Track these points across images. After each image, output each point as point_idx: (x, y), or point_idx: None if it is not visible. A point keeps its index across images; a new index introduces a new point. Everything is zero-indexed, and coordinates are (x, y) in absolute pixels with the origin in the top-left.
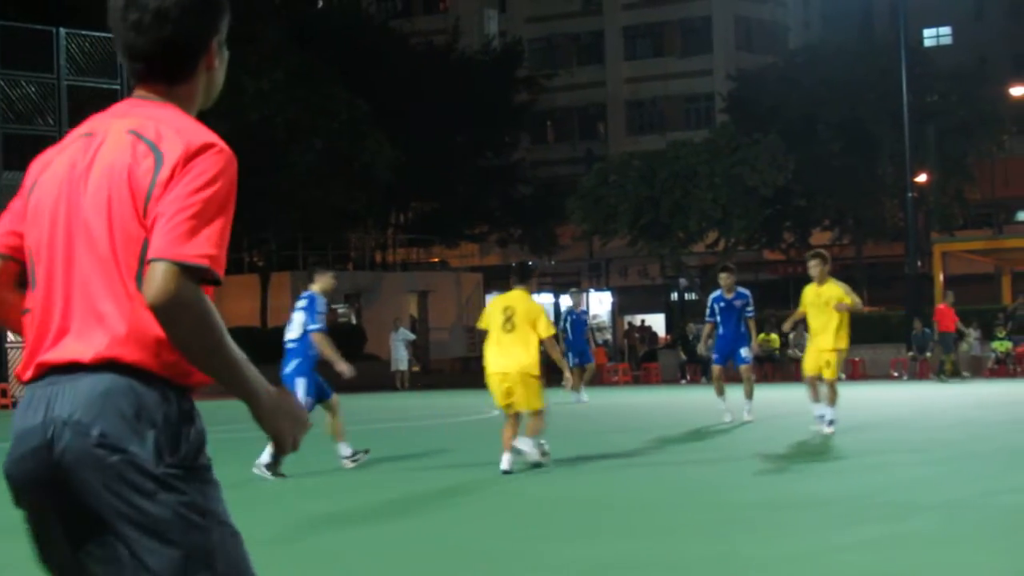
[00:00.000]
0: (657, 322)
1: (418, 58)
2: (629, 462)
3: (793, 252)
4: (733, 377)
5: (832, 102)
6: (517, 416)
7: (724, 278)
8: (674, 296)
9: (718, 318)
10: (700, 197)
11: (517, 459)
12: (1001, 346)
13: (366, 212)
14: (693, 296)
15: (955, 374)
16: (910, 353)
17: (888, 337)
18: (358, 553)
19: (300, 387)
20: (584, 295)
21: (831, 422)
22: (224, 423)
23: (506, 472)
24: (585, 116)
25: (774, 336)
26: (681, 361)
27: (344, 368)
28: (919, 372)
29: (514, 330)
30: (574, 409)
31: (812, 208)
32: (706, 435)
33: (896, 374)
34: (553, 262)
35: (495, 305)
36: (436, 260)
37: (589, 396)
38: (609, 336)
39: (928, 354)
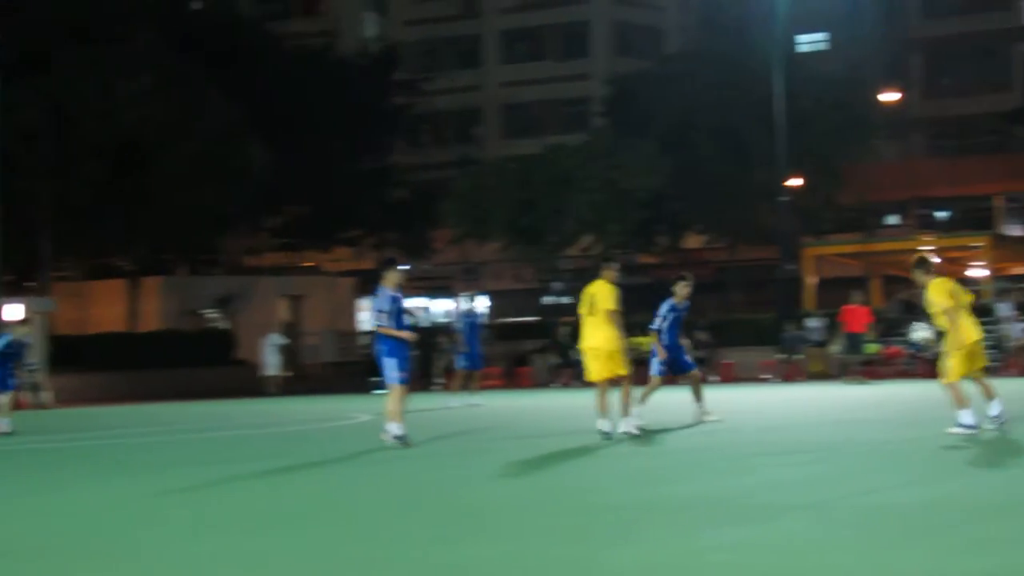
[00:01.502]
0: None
1: (295, 60)
2: (496, 465)
3: (667, 256)
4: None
5: (707, 107)
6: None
7: (683, 287)
8: (548, 300)
9: (664, 327)
10: (575, 201)
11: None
12: (871, 348)
13: (239, 216)
14: (567, 300)
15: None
16: (781, 355)
17: (759, 339)
18: (228, 564)
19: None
20: (474, 298)
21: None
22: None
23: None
24: (462, 120)
25: (644, 339)
26: (554, 364)
27: None
28: (789, 374)
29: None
30: (459, 413)
31: (686, 212)
32: (574, 437)
33: (766, 376)
34: (428, 266)
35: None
36: (309, 264)
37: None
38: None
39: (799, 356)
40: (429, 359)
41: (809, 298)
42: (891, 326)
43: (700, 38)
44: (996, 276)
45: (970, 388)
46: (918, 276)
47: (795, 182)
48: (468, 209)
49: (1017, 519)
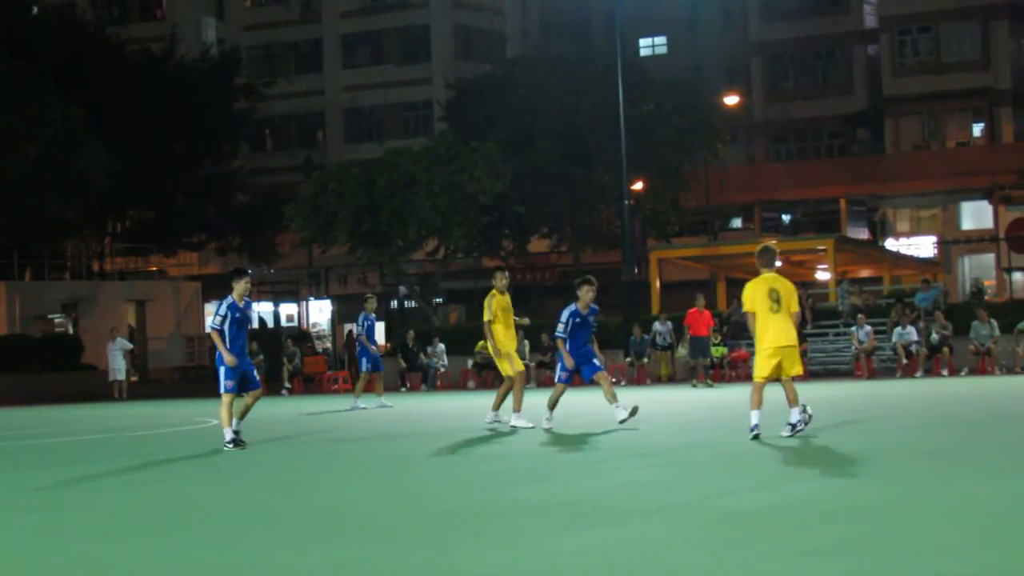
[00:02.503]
0: (377, 330)
1: (135, 65)
2: (351, 467)
3: (512, 260)
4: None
5: (550, 111)
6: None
7: (587, 291)
8: (394, 304)
9: (567, 333)
10: (419, 205)
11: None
12: (717, 352)
13: (82, 221)
14: (413, 304)
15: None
16: (628, 359)
17: (606, 343)
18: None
19: None
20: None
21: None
22: None
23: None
24: (304, 124)
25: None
26: (401, 368)
27: None
28: (637, 378)
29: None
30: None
31: (530, 216)
32: (427, 440)
33: (614, 380)
34: (272, 270)
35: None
36: (154, 269)
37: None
38: (329, 344)
39: (646, 359)
40: (278, 364)
41: (655, 302)
42: (736, 329)
43: (541, 42)
44: (840, 279)
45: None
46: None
47: (640, 186)
48: (312, 213)
49: (868, 521)
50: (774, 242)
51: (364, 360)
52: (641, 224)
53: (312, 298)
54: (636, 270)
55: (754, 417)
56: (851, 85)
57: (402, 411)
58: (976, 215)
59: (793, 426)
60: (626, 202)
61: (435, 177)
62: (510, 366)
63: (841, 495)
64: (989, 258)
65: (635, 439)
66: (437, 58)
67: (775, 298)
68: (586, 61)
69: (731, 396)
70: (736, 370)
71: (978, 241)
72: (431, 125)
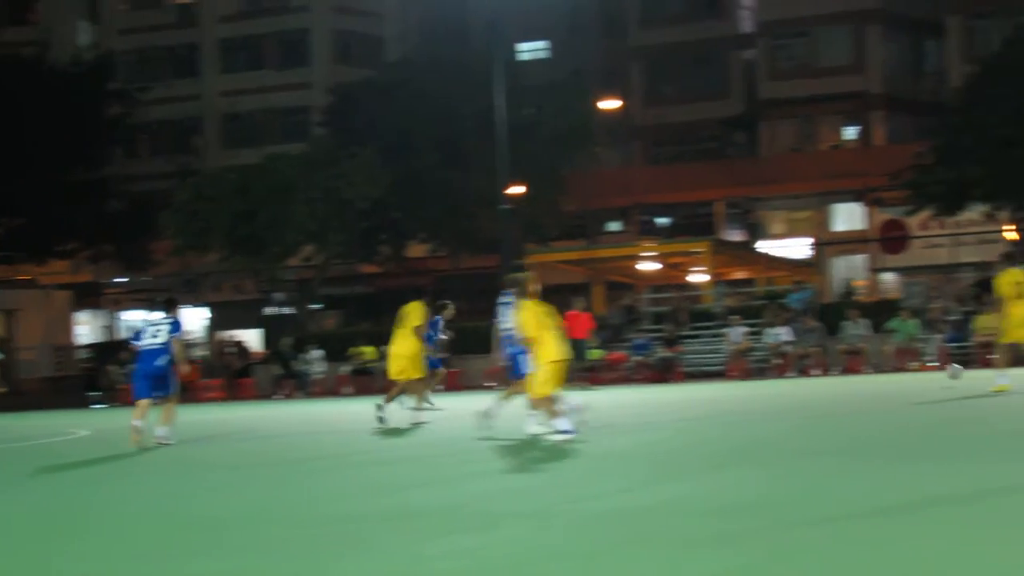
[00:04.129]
0: (252, 337)
1: (5, 70)
2: (233, 476)
3: (390, 265)
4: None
5: (429, 115)
6: None
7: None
8: (270, 311)
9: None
10: (296, 211)
11: None
12: (594, 354)
13: None
14: (289, 310)
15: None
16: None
17: (484, 347)
18: None
19: None
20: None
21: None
22: None
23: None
24: (181, 130)
25: (368, 349)
26: (277, 376)
27: None
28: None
29: None
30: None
31: (408, 221)
32: (304, 447)
33: (491, 384)
34: (147, 278)
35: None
36: (25, 278)
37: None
38: (204, 352)
39: None
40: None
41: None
42: (614, 332)
43: (421, 46)
44: (716, 281)
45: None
46: (516, 296)
47: (518, 190)
48: (188, 220)
49: (739, 520)
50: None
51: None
52: (520, 228)
53: (187, 306)
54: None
55: (564, 423)
56: (728, 89)
57: (279, 418)
58: (848, 217)
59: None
60: (504, 206)
61: (312, 183)
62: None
63: (712, 495)
64: (861, 259)
65: (509, 443)
66: (316, 63)
67: (545, 320)
68: (465, 66)
69: (607, 399)
70: (613, 372)
71: (850, 242)
72: (310, 130)
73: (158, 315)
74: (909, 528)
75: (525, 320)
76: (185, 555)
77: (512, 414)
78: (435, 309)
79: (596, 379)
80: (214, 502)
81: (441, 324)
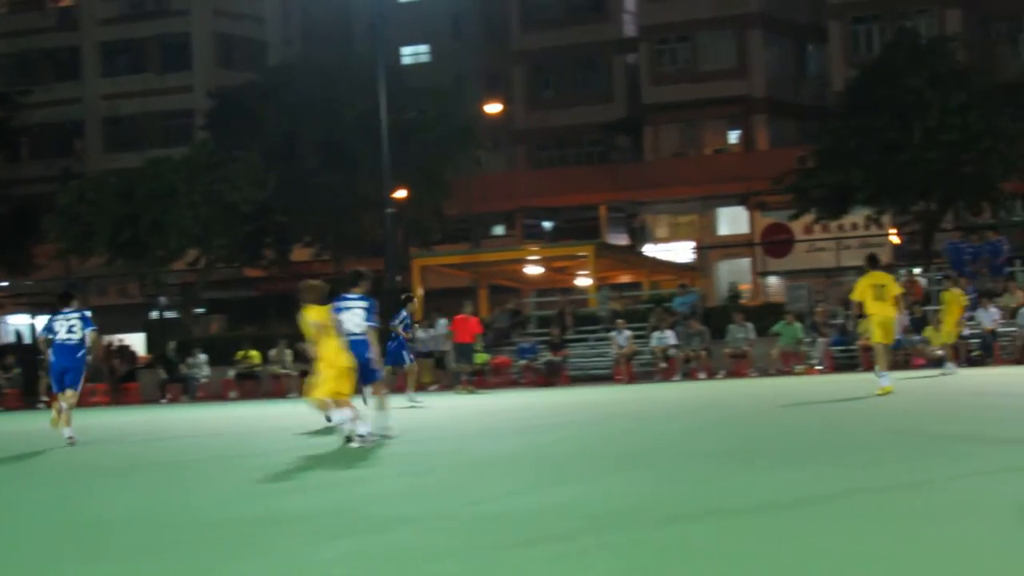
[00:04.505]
0: (137, 341)
1: None
2: (117, 480)
3: (274, 269)
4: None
5: (312, 119)
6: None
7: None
8: (154, 315)
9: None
10: (180, 215)
11: None
12: (480, 358)
13: None
14: (174, 314)
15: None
16: (390, 366)
17: None
18: None
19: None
20: None
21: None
22: None
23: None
24: (62, 133)
25: (254, 353)
26: (162, 380)
27: None
28: (398, 386)
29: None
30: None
31: (292, 224)
32: (191, 451)
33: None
34: (30, 282)
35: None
36: None
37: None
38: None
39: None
40: (35, 377)
41: (418, 309)
42: (499, 336)
43: (303, 50)
44: (601, 284)
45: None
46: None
47: (401, 193)
48: (70, 224)
49: (629, 524)
50: (534, 249)
51: (405, 353)
52: (404, 232)
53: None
54: (399, 278)
55: (364, 426)
56: (611, 93)
57: (164, 423)
58: (733, 221)
59: (362, 436)
60: (388, 210)
61: (196, 186)
62: None
63: (602, 498)
64: (745, 263)
65: (399, 447)
66: (198, 66)
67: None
68: (348, 69)
69: (493, 402)
70: (498, 376)
71: (734, 246)
72: (192, 134)
73: (68, 310)
74: (787, 527)
75: (307, 326)
76: (69, 560)
77: (397, 418)
78: (399, 303)
79: (482, 383)
80: (98, 506)
81: (408, 319)
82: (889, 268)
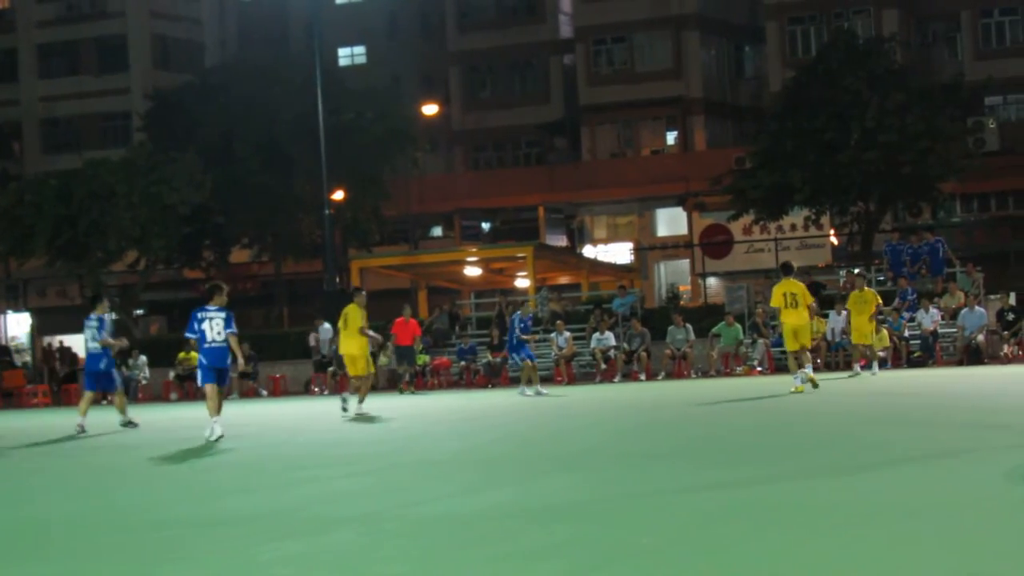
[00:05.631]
0: (77, 343)
1: None
2: (55, 481)
3: (213, 271)
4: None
5: (249, 120)
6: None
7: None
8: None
9: None
10: (118, 216)
11: None
12: (420, 359)
13: None
14: (114, 316)
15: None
16: (331, 368)
17: (306, 353)
18: None
19: None
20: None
21: None
22: None
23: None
24: (0, 135)
25: (195, 354)
26: None
27: None
28: (339, 387)
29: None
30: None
31: (231, 226)
32: (131, 452)
33: (316, 389)
34: None
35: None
36: None
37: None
38: (28, 358)
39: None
40: None
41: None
42: (438, 337)
43: (240, 51)
44: (540, 286)
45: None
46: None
47: (340, 195)
48: (8, 226)
49: (570, 524)
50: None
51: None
52: (342, 233)
53: (10, 311)
54: (338, 279)
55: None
56: (548, 94)
57: (104, 424)
58: (671, 222)
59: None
60: (327, 211)
61: (134, 188)
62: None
63: (543, 498)
64: (684, 264)
65: (339, 448)
66: (135, 68)
67: None
68: (285, 70)
69: (434, 403)
70: (438, 377)
71: (673, 247)
72: (130, 135)
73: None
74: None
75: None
76: (7, 561)
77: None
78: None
79: (422, 384)
80: (37, 508)
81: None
82: (828, 269)
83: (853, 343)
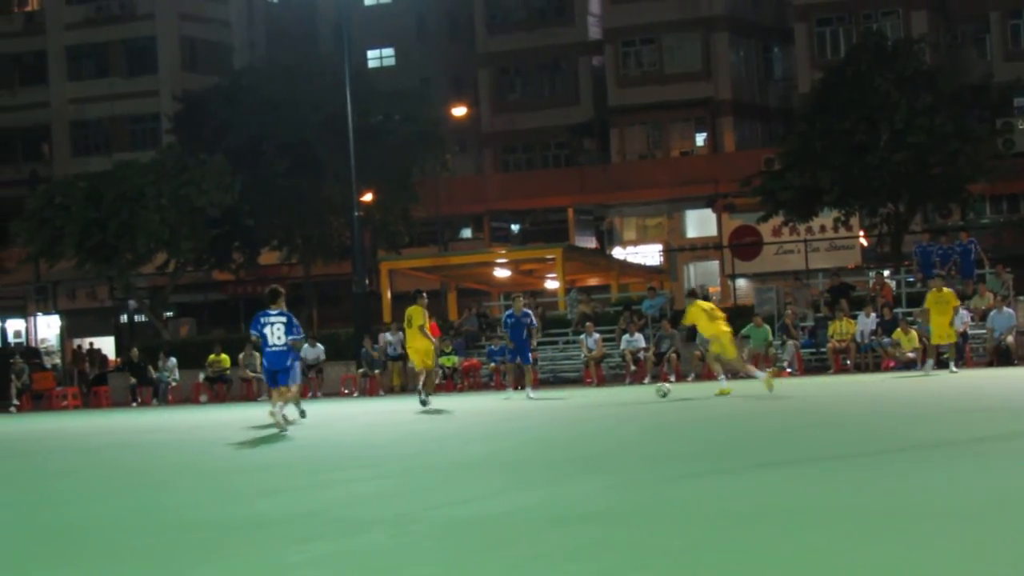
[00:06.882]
0: (107, 345)
1: None
2: (86, 484)
3: (243, 272)
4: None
5: (278, 122)
6: None
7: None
8: (124, 318)
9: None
10: (148, 218)
11: None
12: (448, 361)
13: None
14: (143, 318)
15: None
16: (360, 370)
17: (339, 354)
18: None
19: None
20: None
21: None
22: None
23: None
24: (30, 137)
25: (224, 356)
26: (131, 384)
27: None
28: (369, 389)
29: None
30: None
31: (260, 228)
32: (162, 455)
33: (347, 391)
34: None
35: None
36: None
37: None
38: (58, 360)
39: (378, 371)
40: (6, 381)
41: (386, 312)
42: (468, 339)
43: (269, 53)
44: (569, 287)
45: None
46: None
47: (369, 197)
48: (38, 228)
49: (598, 526)
50: (503, 252)
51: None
52: (371, 235)
53: (40, 314)
54: (367, 281)
55: None
56: (577, 96)
57: (134, 426)
58: (700, 223)
59: None
60: (356, 213)
61: (163, 190)
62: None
63: (570, 501)
64: (714, 265)
65: (366, 450)
66: (164, 70)
67: None
68: (314, 72)
69: (462, 405)
70: (468, 379)
71: (703, 248)
72: (158, 137)
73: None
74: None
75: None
76: (43, 564)
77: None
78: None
79: (452, 386)
80: (71, 511)
81: None
82: (858, 271)
83: (932, 343)
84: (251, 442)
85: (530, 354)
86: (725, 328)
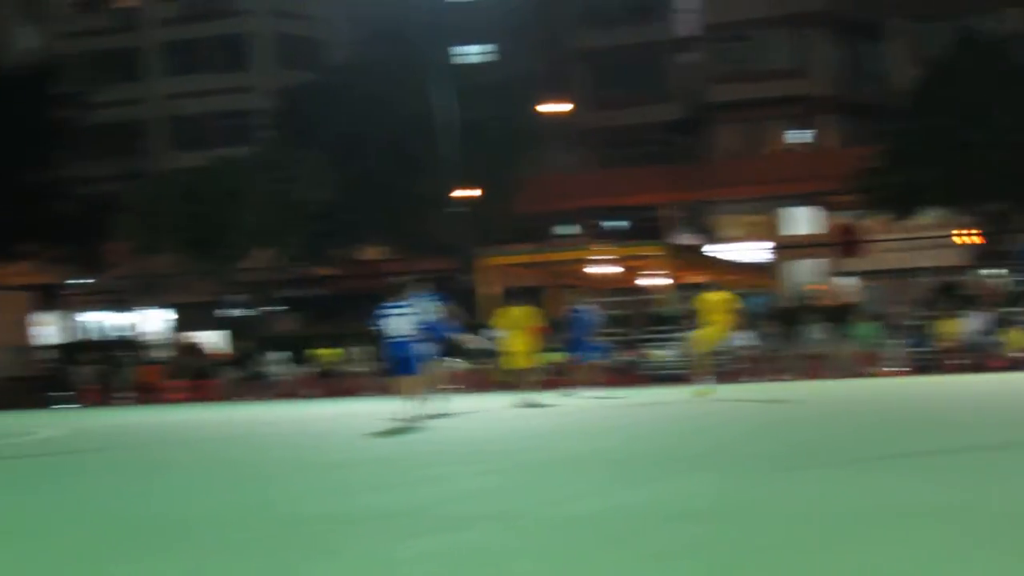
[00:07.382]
0: (210, 339)
1: None
2: (196, 476)
3: (346, 268)
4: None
5: (374, 118)
6: None
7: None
8: (231, 312)
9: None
10: (244, 214)
11: None
12: (554, 358)
13: None
14: (248, 312)
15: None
16: (461, 365)
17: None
18: None
19: None
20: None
21: None
22: None
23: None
24: (128, 132)
25: (333, 351)
26: (239, 377)
27: None
28: (471, 384)
29: None
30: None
31: (360, 223)
32: (269, 448)
33: (454, 386)
34: (104, 280)
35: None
36: None
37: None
38: (165, 354)
39: (479, 366)
40: (114, 373)
41: (485, 309)
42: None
43: (364, 50)
44: (675, 285)
45: None
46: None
47: (469, 192)
48: (140, 222)
49: (706, 524)
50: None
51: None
52: (469, 231)
53: (146, 307)
54: (466, 277)
55: None
56: (672, 92)
57: (241, 420)
58: (800, 221)
59: None
60: (457, 209)
61: (260, 186)
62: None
63: (678, 498)
64: (815, 263)
65: (466, 446)
66: (259, 66)
67: None
68: (410, 69)
69: (566, 402)
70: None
71: (804, 246)
72: (253, 133)
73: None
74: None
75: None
76: (146, 554)
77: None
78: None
79: (555, 383)
80: (176, 503)
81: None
82: (961, 270)
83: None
84: (356, 437)
85: (588, 352)
86: (719, 322)
